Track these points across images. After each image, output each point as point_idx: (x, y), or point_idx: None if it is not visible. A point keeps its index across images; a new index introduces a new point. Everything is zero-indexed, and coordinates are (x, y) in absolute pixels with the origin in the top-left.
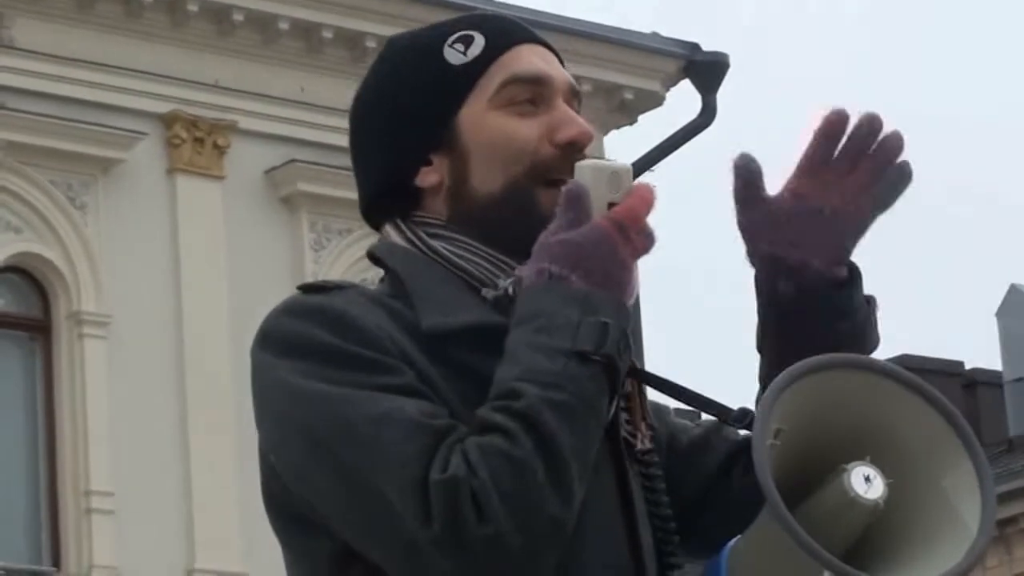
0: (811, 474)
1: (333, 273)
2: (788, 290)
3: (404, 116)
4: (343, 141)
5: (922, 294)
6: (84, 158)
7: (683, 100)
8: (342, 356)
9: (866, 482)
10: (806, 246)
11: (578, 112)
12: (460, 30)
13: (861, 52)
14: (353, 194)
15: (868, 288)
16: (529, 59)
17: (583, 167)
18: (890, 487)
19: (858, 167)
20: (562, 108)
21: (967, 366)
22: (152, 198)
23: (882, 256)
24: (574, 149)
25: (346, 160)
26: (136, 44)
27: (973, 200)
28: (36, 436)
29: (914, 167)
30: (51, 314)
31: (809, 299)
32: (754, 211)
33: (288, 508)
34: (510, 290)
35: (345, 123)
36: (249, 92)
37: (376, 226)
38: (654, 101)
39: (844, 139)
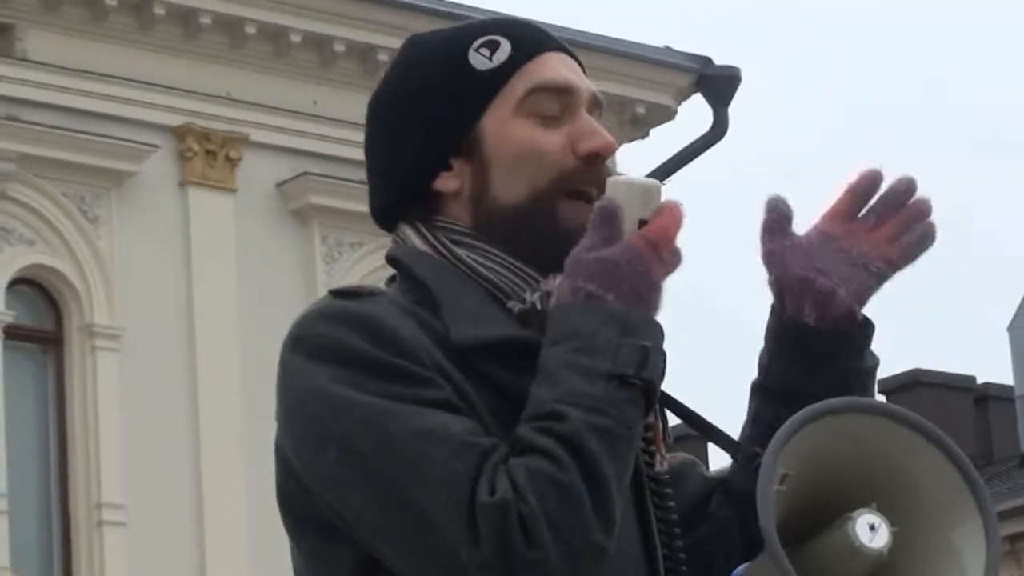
0: (816, 515)
1: (345, 285)
2: (811, 316)
3: (425, 119)
4: (355, 154)
5: (934, 309)
6: (97, 170)
7: (695, 114)
8: (380, 366)
9: (871, 531)
10: (834, 276)
11: (599, 119)
12: (486, 34)
13: (872, 66)
14: (365, 207)
15: (881, 305)
16: (555, 68)
17: (617, 183)
18: (895, 535)
19: (885, 223)
20: (585, 118)
21: (979, 380)
22: (164, 211)
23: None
24: (597, 160)
25: (358, 173)
26: (148, 57)
27: (986, 212)
28: (48, 448)
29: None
30: (63, 326)
31: (829, 330)
32: (783, 241)
33: (305, 510)
34: (538, 304)
35: (358, 136)
36: (261, 105)
37: (387, 227)
38: (666, 115)
39: (876, 197)
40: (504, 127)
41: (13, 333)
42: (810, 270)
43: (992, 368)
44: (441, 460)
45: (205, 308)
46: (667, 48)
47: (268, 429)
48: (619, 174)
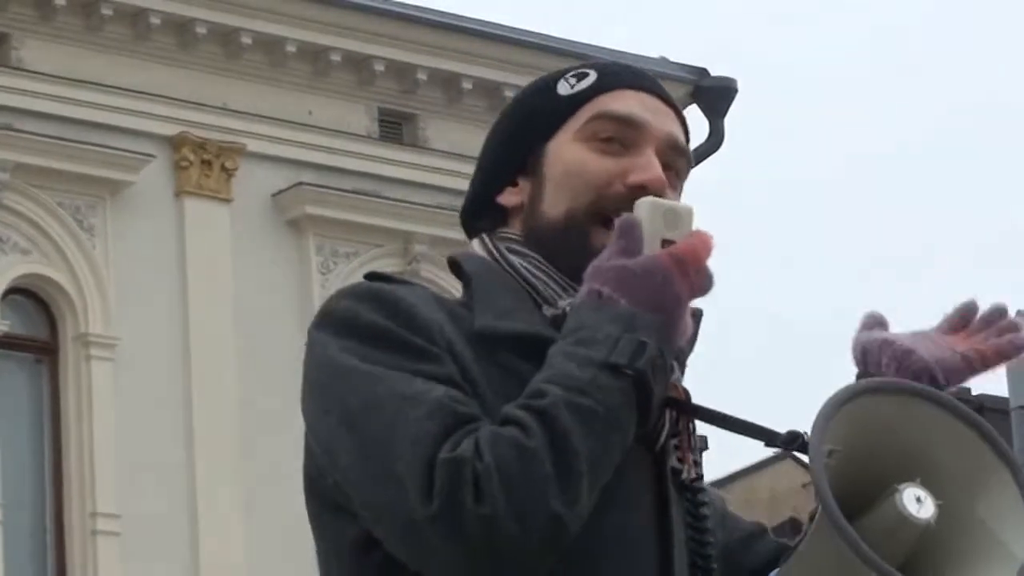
0: (858, 497)
1: None
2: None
3: (506, 138)
4: (350, 164)
5: (930, 321)
6: (92, 180)
7: (691, 125)
8: (390, 339)
9: (917, 502)
10: (928, 355)
11: (685, 170)
12: (581, 68)
13: (871, 77)
14: (360, 217)
15: (877, 307)
16: (627, 101)
17: (642, 202)
18: (939, 509)
19: (981, 332)
20: (647, 155)
21: (973, 392)
22: (160, 220)
23: (890, 281)
24: (644, 194)
25: (353, 183)
26: (144, 66)
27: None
28: (42, 457)
29: None
30: (58, 336)
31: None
32: (881, 333)
33: (322, 491)
34: (567, 310)
35: (353, 146)
36: (257, 115)
37: (472, 234)
38: None
39: (976, 320)
40: (562, 147)
41: (8, 342)
42: (909, 346)
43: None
44: (415, 420)
45: (200, 318)
46: (663, 59)
47: (263, 439)
48: (652, 196)
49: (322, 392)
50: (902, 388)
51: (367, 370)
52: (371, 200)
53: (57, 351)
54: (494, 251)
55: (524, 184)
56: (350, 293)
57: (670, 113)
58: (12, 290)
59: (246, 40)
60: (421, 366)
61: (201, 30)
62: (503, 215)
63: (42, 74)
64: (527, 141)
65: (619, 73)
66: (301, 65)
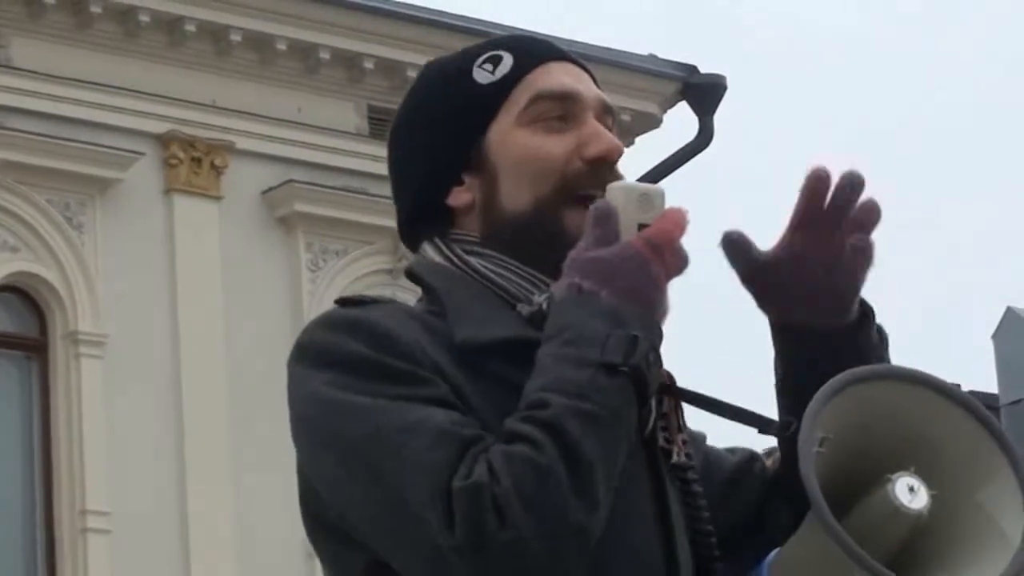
0: (854, 485)
1: (329, 293)
2: (800, 349)
3: (435, 137)
4: (340, 162)
5: (918, 316)
6: (81, 178)
7: (680, 122)
8: (374, 367)
9: (910, 492)
10: (808, 303)
11: (611, 129)
12: (491, 51)
13: (861, 75)
14: (350, 215)
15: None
16: (558, 76)
17: (613, 188)
18: (933, 498)
19: (843, 225)
20: (592, 124)
21: (963, 389)
22: (149, 218)
23: (878, 278)
24: (604, 165)
25: (344, 181)
26: (133, 64)
27: (970, 220)
28: (32, 455)
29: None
30: (47, 333)
31: (821, 351)
32: (753, 279)
33: (324, 521)
34: (544, 306)
35: (342, 144)
36: (246, 112)
37: (412, 245)
38: (651, 123)
39: (828, 197)
40: (508, 137)
41: None
42: (785, 309)
43: (977, 377)
44: (421, 450)
45: (190, 315)
46: (652, 56)
47: (253, 437)
48: (622, 180)
49: (315, 428)
50: (900, 375)
51: (358, 402)
52: (361, 198)
53: (47, 348)
54: (451, 256)
55: (472, 181)
56: (324, 323)
57: (586, 75)
58: (1, 288)
59: (236, 38)
60: (413, 391)
61: (190, 28)
62: (448, 216)
63: (31, 72)
64: (461, 137)
65: (533, 49)
66: (291, 63)
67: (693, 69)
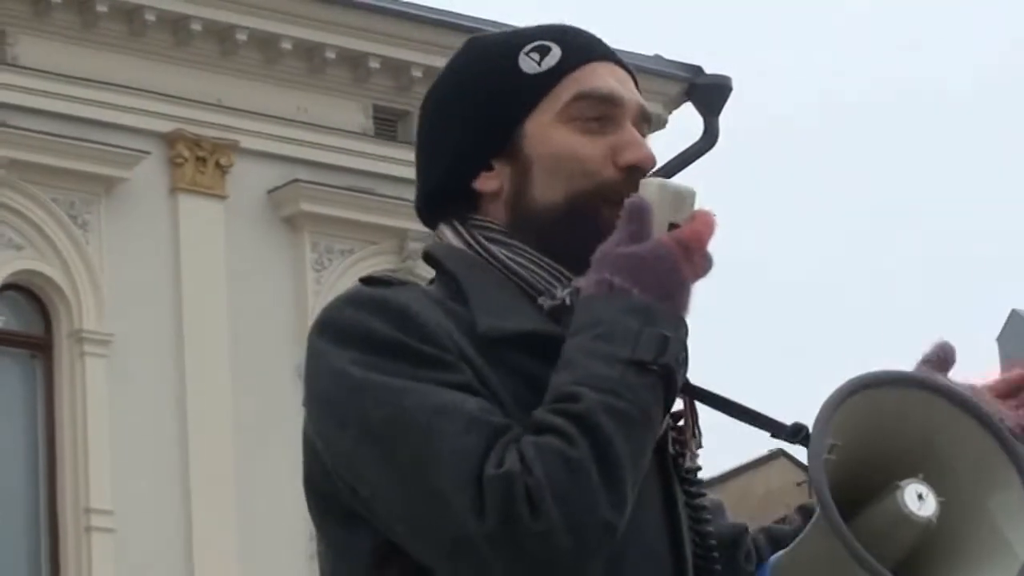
0: (862, 491)
1: (335, 293)
2: None
3: (471, 118)
4: (346, 162)
5: (923, 319)
6: (86, 176)
7: (685, 123)
8: (402, 350)
9: (919, 500)
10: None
11: (645, 136)
12: (538, 39)
13: (864, 74)
14: (355, 215)
15: (873, 310)
16: (603, 77)
17: (650, 184)
18: (942, 506)
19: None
20: (629, 130)
21: None
22: (154, 217)
23: (884, 281)
24: (637, 172)
25: (348, 180)
26: (139, 63)
27: (976, 224)
28: (36, 454)
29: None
30: (52, 332)
31: None
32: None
33: (328, 497)
34: (567, 300)
35: (347, 143)
36: (252, 112)
37: (430, 224)
38: (656, 124)
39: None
40: (546, 131)
41: (2, 338)
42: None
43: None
44: (452, 435)
45: (194, 315)
46: (657, 56)
47: (257, 436)
48: (656, 178)
49: (335, 405)
50: (909, 381)
51: (387, 383)
52: (366, 197)
53: (51, 347)
54: (472, 242)
55: (502, 168)
56: (350, 301)
57: (629, 79)
58: (6, 286)
59: (241, 37)
60: (440, 375)
61: (196, 27)
62: (473, 201)
63: (37, 70)
64: (498, 123)
65: (583, 46)
66: (296, 62)
67: (698, 70)
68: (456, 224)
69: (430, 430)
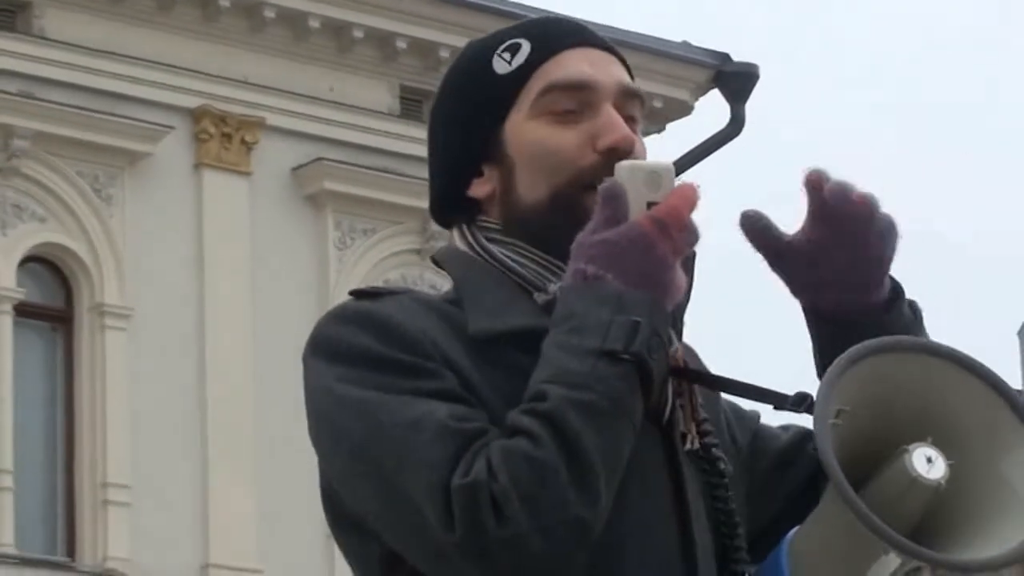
0: (872, 457)
1: (356, 272)
2: (833, 332)
3: (456, 127)
4: (371, 141)
5: (943, 312)
6: (111, 150)
7: (712, 110)
8: (381, 361)
9: (928, 463)
10: (836, 284)
11: (639, 112)
12: (511, 38)
13: (891, 65)
14: (380, 194)
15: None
16: (574, 65)
17: (621, 167)
18: (952, 468)
19: (851, 211)
20: (607, 113)
21: None
22: (178, 192)
23: (903, 275)
24: (617, 155)
25: (373, 160)
26: (166, 38)
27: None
28: (55, 426)
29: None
30: (73, 305)
31: (854, 329)
32: (777, 260)
33: (341, 511)
34: (557, 294)
35: (374, 123)
36: (278, 89)
37: (445, 227)
38: (683, 110)
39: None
40: (520, 129)
41: (23, 310)
42: (811, 290)
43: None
44: (423, 445)
45: (216, 290)
46: (685, 43)
47: (276, 413)
48: (629, 160)
49: (328, 422)
50: (916, 346)
51: (366, 397)
52: (391, 177)
53: (72, 320)
54: (474, 243)
55: (491, 172)
56: (336, 316)
57: (611, 58)
58: (29, 258)
59: (269, 14)
60: (418, 384)
61: (224, 3)
62: (478, 204)
63: (63, 43)
64: (479, 128)
65: (551, 36)
66: (324, 40)
67: (726, 57)
68: (463, 227)
69: (404, 443)
